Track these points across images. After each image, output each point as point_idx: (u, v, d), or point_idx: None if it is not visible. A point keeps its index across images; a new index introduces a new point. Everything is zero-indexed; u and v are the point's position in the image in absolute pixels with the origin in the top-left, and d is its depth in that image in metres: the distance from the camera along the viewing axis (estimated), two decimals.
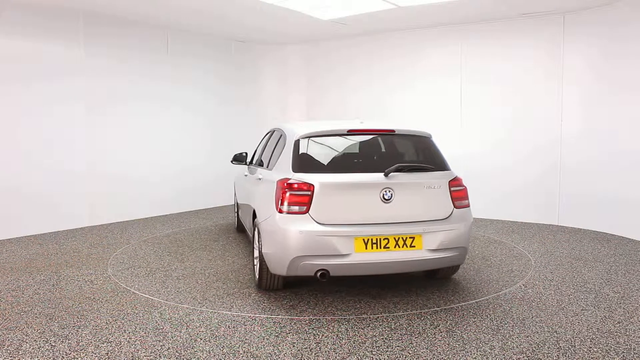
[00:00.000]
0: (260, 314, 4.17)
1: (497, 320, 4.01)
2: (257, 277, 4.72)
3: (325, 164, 4.48)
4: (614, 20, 6.98)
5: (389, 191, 4.21)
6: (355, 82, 9.63)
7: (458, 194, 4.47)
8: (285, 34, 9.48)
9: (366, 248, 4.10)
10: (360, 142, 4.73)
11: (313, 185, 4.15)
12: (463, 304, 4.40)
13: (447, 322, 3.99)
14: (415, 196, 4.31)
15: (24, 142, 7.11)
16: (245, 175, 6.20)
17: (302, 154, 4.45)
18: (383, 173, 4.24)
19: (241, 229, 7.23)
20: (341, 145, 4.67)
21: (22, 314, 4.20)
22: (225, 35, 9.50)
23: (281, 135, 5.11)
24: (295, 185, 4.16)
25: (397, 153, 4.76)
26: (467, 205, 4.56)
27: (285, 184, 4.21)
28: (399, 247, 4.14)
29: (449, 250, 4.32)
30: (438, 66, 8.65)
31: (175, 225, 7.93)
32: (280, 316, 4.12)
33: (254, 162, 6.29)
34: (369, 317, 4.10)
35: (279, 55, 10.52)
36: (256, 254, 4.89)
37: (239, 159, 6.57)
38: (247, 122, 10.20)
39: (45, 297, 4.60)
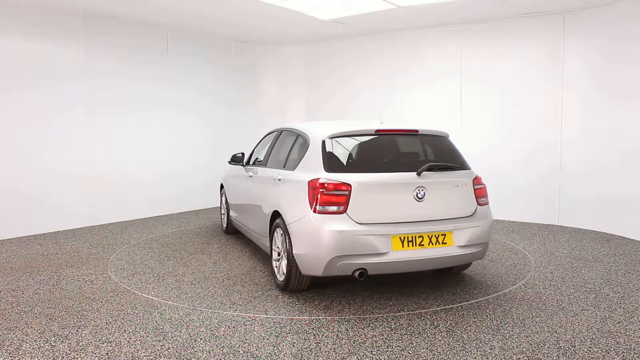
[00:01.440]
0: (295, 315, 4.16)
1: (497, 320, 4.01)
2: (282, 278, 4.67)
3: (356, 164, 4.52)
4: (614, 20, 6.98)
5: (422, 190, 4.30)
6: (355, 82, 9.62)
7: (480, 191, 4.62)
8: (286, 34, 9.48)
9: (403, 246, 4.18)
10: (384, 142, 4.75)
11: (350, 185, 4.17)
12: (463, 304, 4.40)
13: (447, 322, 3.99)
14: (445, 194, 4.43)
15: (24, 142, 7.11)
16: (250, 176, 6.00)
17: (332, 154, 4.46)
18: (415, 172, 4.33)
19: (232, 230, 7.13)
20: (364, 145, 4.66)
21: (22, 314, 4.20)
22: (225, 35, 9.50)
23: (298, 136, 5.10)
24: (332, 186, 4.17)
25: (422, 152, 4.81)
26: (487, 203, 4.71)
27: (321, 184, 4.20)
28: (432, 244, 4.26)
29: (475, 246, 4.47)
30: (438, 66, 8.65)
31: (176, 225, 7.93)
32: (280, 316, 4.12)
33: (256, 162, 6.23)
34: (369, 317, 4.10)
35: (279, 55, 10.52)
36: (275, 255, 4.86)
37: (237, 159, 6.52)
38: (247, 122, 10.20)
39: (45, 297, 4.60)
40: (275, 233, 4.84)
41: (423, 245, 4.22)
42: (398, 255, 4.15)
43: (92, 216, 7.89)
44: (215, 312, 4.20)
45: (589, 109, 7.39)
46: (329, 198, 4.15)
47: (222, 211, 7.50)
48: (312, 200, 4.21)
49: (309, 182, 4.31)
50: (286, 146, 5.42)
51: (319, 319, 4.07)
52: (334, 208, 4.14)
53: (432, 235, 4.26)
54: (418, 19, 8.02)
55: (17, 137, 7.05)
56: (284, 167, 5.09)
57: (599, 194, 7.24)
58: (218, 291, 4.75)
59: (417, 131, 4.72)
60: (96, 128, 7.87)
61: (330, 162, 4.39)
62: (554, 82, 7.66)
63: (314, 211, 4.18)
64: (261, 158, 6.21)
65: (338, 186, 4.16)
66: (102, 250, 6.36)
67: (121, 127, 8.20)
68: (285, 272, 4.60)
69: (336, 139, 4.55)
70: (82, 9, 7.41)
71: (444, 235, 4.30)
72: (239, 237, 7.04)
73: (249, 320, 4.03)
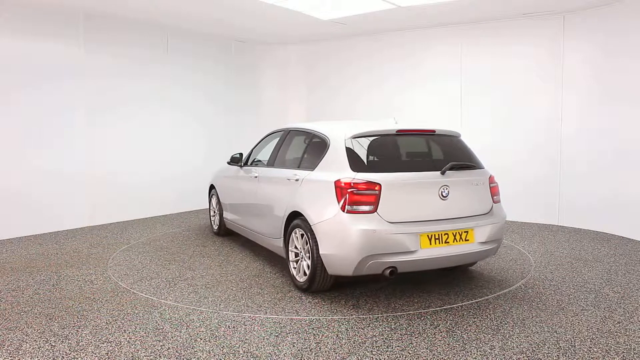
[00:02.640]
0: (330, 315, 4.16)
1: (497, 320, 4.01)
2: (304, 279, 4.65)
3: (380, 163, 4.58)
4: (613, 20, 6.98)
5: (447, 188, 4.41)
6: (355, 82, 9.62)
7: (494, 190, 4.80)
8: (286, 34, 9.48)
9: (430, 244, 4.26)
10: (404, 141, 4.83)
11: (380, 185, 4.20)
12: (463, 304, 4.40)
13: (447, 322, 3.99)
14: (465, 193, 4.55)
15: (24, 142, 7.11)
16: (255, 177, 5.86)
17: (356, 154, 4.48)
18: (440, 171, 4.42)
19: (225, 232, 7.00)
20: (385, 145, 4.71)
21: (22, 314, 4.20)
22: (225, 35, 9.50)
23: (313, 136, 5.10)
24: (363, 185, 4.19)
25: (440, 152, 4.86)
26: (500, 201, 4.88)
27: (350, 184, 4.21)
28: (456, 241, 4.38)
29: (492, 243, 4.61)
30: (438, 66, 8.65)
31: (176, 225, 7.93)
32: (280, 316, 4.12)
33: (258, 162, 6.16)
34: (369, 317, 4.10)
35: (279, 56, 10.52)
36: (293, 256, 4.85)
37: (237, 160, 6.41)
38: (246, 122, 10.20)
39: (45, 297, 4.60)
40: (293, 234, 4.81)
41: (448, 242, 4.33)
42: (426, 252, 4.23)
43: (92, 216, 7.89)
44: (215, 312, 4.20)
45: (589, 109, 7.38)
46: (359, 198, 4.18)
47: (212, 213, 7.39)
48: (341, 200, 4.22)
49: (335, 182, 4.30)
50: (298, 146, 5.41)
51: (319, 319, 4.07)
52: (365, 207, 4.17)
53: (456, 233, 4.37)
54: (418, 19, 8.01)
55: (17, 137, 7.05)
56: (298, 167, 5.05)
57: (599, 194, 7.24)
58: (237, 294, 4.65)
59: (434, 131, 4.82)
60: (96, 128, 7.87)
61: (356, 162, 4.41)
62: (554, 82, 7.66)
63: (344, 211, 4.18)
64: (264, 158, 6.16)
65: (368, 186, 4.19)
66: (102, 250, 6.36)
67: (121, 128, 8.20)
68: (308, 272, 4.58)
69: (357, 139, 4.57)
70: (82, 10, 7.41)
71: (467, 232, 4.42)
72: (234, 238, 6.97)
73: (249, 320, 4.03)
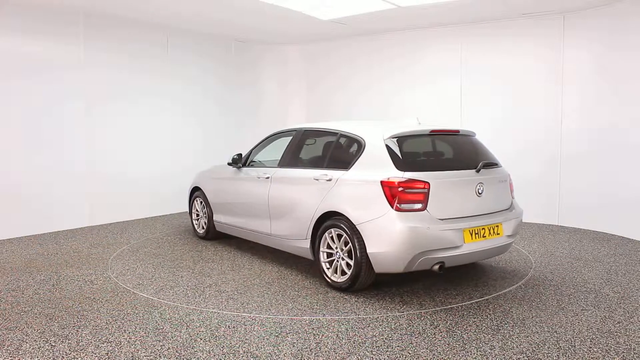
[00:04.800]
0: (376, 313, 4.16)
1: (497, 320, 4.01)
2: (342, 279, 4.66)
3: (421, 162, 4.74)
4: (613, 20, 6.98)
5: (482, 185, 4.65)
6: (355, 82, 9.62)
7: (511, 186, 5.14)
8: (285, 34, 9.48)
9: (472, 238, 4.48)
10: (436, 141, 5.01)
11: (428, 183, 4.34)
12: (463, 304, 4.40)
13: (447, 322, 3.99)
14: (494, 189, 4.80)
15: (24, 142, 7.11)
16: (267, 177, 5.68)
17: (396, 153, 4.54)
18: (475, 169, 4.67)
19: (215, 235, 6.76)
20: (420, 144, 4.91)
21: (22, 314, 4.20)
22: (225, 35, 9.50)
23: (341, 136, 5.10)
24: (412, 184, 4.32)
25: (467, 151, 4.98)
26: (514, 197, 5.25)
27: (400, 183, 4.30)
28: (490, 235, 4.64)
29: (513, 236, 4.93)
30: (438, 66, 8.64)
31: (176, 225, 7.92)
32: (280, 316, 4.12)
33: (260, 163, 6.09)
34: (369, 317, 4.10)
35: (278, 55, 10.52)
36: (324, 257, 4.85)
37: (238, 160, 6.25)
38: (246, 122, 10.19)
39: (45, 297, 4.60)
40: (326, 234, 4.80)
41: (485, 236, 4.58)
42: (469, 247, 4.45)
43: (92, 216, 7.89)
44: (215, 312, 4.21)
45: (588, 109, 7.38)
46: (410, 196, 4.30)
47: (195, 216, 7.09)
48: (392, 199, 4.30)
49: (383, 182, 4.36)
50: (319, 146, 5.43)
51: (319, 319, 4.07)
52: (415, 205, 4.30)
53: (490, 227, 4.63)
54: (418, 19, 8.01)
55: (17, 137, 7.04)
56: (325, 167, 5.04)
57: (599, 193, 7.24)
58: (276, 298, 4.57)
59: (458, 131, 5.05)
60: (96, 128, 7.86)
61: (399, 162, 4.47)
62: (553, 82, 7.66)
63: (396, 209, 4.27)
64: (266, 159, 6.11)
65: (417, 184, 4.32)
66: (102, 250, 6.36)
67: (121, 128, 8.20)
68: (349, 272, 4.60)
69: (393, 139, 4.63)
70: (82, 9, 7.41)
71: (497, 226, 4.70)
72: (229, 241, 6.77)
73: (248, 320, 4.03)
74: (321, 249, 4.89)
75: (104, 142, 7.97)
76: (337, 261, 4.74)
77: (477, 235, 4.51)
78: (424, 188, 4.32)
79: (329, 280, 4.81)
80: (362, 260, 4.46)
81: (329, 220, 4.78)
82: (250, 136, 9.00)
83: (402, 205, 4.27)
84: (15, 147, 7.04)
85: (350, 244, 4.54)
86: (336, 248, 4.74)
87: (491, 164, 4.88)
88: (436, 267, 4.36)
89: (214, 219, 6.67)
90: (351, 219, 4.52)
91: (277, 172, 5.60)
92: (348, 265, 4.62)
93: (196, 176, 7.29)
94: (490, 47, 8.16)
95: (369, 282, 4.62)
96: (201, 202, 6.94)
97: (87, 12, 7.55)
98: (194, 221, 7.17)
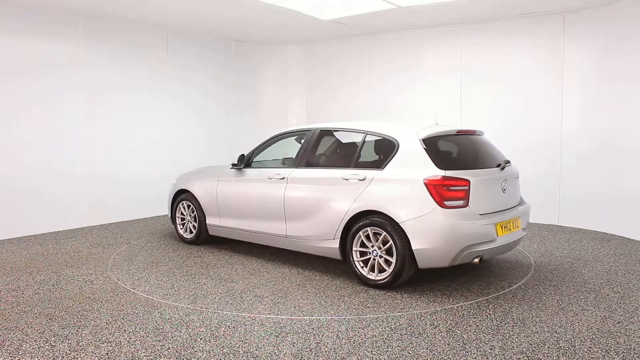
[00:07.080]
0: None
1: (497, 320, 4.02)
2: (382, 276, 4.70)
3: (456, 161, 4.93)
4: (614, 19, 6.98)
5: (505, 182, 4.97)
6: (355, 82, 9.62)
7: (519, 183, 5.44)
8: (285, 34, 9.48)
9: (502, 231, 4.76)
10: (460, 141, 5.18)
11: (469, 181, 4.55)
12: (463, 304, 4.40)
13: (447, 322, 3.99)
14: (511, 185, 5.12)
15: (24, 142, 7.11)
16: (282, 178, 5.52)
17: (433, 153, 4.69)
18: (499, 167, 4.98)
19: (207, 239, 6.51)
20: (449, 144, 5.08)
21: (22, 314, 4.20)
22: (225, 35, 9.50)
23: (366, 135, 5.16)
24: (455, 182, 4.52)
25: (485, 150, 5.20)
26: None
27: (444, 181, 4.48)
28: (514, 228, 4.94)
29: (525, 229, 5.26)
30: (438, 66, 8.64)
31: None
32: (280, 316, 4.12)
33: (265, 164, 6.01)
34: (369, 317, 4.10)
35: (278, 56, 10.51)
36: (357, 256, 4.86)
37: (241, 161, 6.06)
38: (246, 122, 10.19)
39: (45, 297, 4.60)
40: (360, 233, 4.81)
41: (510, 230, 4.86)
42: (501, 240, 4.72)
43: (92, 216, 7.89)
44: (215, 312, 4.20)
45: (588, 109, 7.38)
46: (453, 194, 4.50)
47: (180, 221, 6.76)
48: (437, 197, 4.46)
49: (426, 180, 4.50)
50: (343, 147, 5.51)
51: (319, 319, 4.07)
52: (459, 202, 4.51)
53: (513, 221, 4.93)
54: (418, 19, 8.01)
55: (17, 137, 7.04)
56: (353, 167, 5.06)
57: (599, 193, 7.23)
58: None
59: (475, 131, 5.30)
60: (96, 128, 7.86)
61: (439, 161, 4.63)
62: (553, 82, 7.66)
63: (442, 207, 4.44)
64: (268, 159, 6.08)
65: (460, 182, 4.52)
66: (102, 250, 6.36)
67: (121, 127, 8.20)
68: (389, 269, 4.66)
69: (427, 139, 4.79)
70: (82, 10, 7.41)
71: (517, 220, 5.00)
72: (223, 244, 6.63)
73: (248, 320, 4.03)
74: (354, 248, 4.89)
75: (103, 142, 7.97)
76: (374, 259, 4.77)
77: (505, 228, 4.79)
78: (465, 186, 4.53)
79: (364, 278, 4.83)
80: (406, 256, 4.55)
81: (363, 219, 4.80)
82: (250, 137, 9.00)
83: (447, 202, 4.45)
84: (15, 147, 7.03)
85: (391, 241, 4.61)
86: (372, 246, 4.76)
87: (507, 162, 5.14)
88: (476, 259, 4.57)
89: (207, 222, 6.38)
90: (393, 217, 4.59)
91: (294, 173, 5.46)
92: (387, 262, 4.69)
93: (179, 179, 6.93)
94: (490, 47, 8.16)
95: (409, 277, 4.73)
96: (189, 206, 6.61)
97: (87, 12, 7.54)
98: (178, 226, 6.80)
